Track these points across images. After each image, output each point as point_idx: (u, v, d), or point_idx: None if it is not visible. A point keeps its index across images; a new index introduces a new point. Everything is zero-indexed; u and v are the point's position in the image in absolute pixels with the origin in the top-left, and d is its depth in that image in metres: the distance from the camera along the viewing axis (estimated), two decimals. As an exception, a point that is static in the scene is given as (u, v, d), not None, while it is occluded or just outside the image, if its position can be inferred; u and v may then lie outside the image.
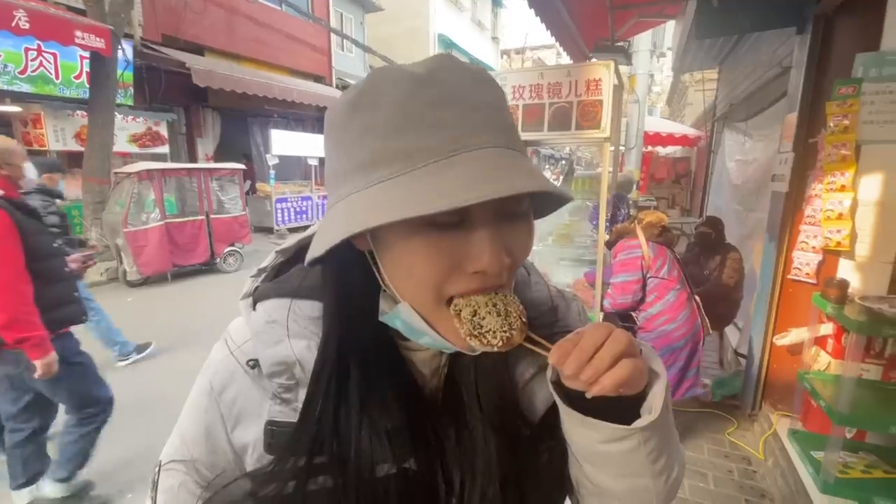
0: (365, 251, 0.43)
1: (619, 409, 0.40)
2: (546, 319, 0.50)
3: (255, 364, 0.45)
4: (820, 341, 2.20)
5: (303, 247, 0.49)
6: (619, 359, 0.37)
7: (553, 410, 0.46)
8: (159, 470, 0.47)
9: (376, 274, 0.43)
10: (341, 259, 0.43)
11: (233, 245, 6.75)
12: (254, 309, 0.47)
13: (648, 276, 2.43)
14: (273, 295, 0.47)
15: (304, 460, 0.42)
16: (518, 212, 0.40)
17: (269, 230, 9.13)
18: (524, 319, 0.41)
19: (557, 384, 0.42)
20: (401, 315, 0.41)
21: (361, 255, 0.43)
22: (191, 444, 0.47)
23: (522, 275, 0.54)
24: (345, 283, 0.45)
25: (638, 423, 0.39)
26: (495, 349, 0.39)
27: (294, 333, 0.45)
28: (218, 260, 6.57)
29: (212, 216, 6.42)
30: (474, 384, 0.46)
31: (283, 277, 0.50)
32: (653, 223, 2.55)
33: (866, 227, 2.03)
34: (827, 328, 2.15)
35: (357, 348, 0.44)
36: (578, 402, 0.41)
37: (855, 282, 2.04)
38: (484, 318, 0.38)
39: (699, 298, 2.54)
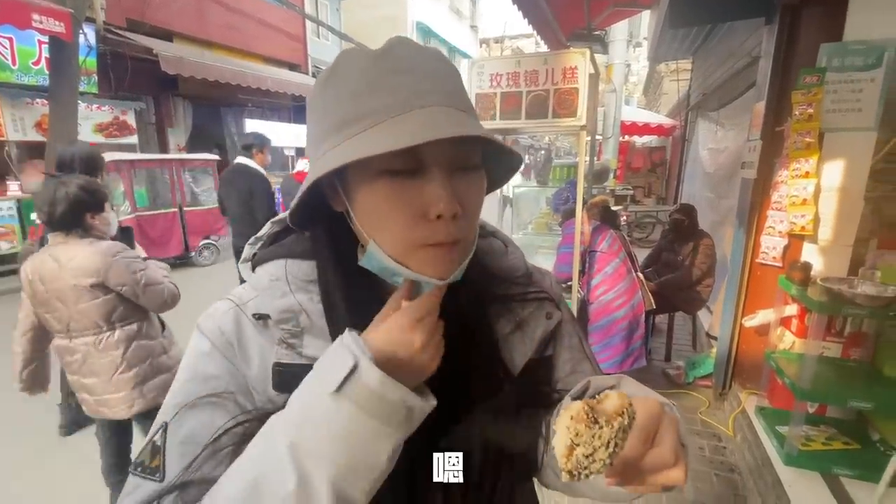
0: (343, 212, 0.47)
1: None
2: (521, 281, 0.57)
3: (261, 317, 0.48)
4: (785, 322, 2.30)
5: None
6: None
7: (532, 365, 0.53)
8: (165, 430, 0.44)
9: (357, 231, 0.47)
10: (329, 221, 0.49)
11: (208, 238, 6.58)
12: (253, 272, 0.52)
13: (588, 250, 2.68)
14: (272, 258, 0.52)
15: None
16: (468, 165, 0.44)
17: (246, 222, 8.92)
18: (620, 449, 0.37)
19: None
20: (373, 256, 0.45)
21: (342, 217, 0.47)
22: (213, 377, 0.46)
23: (499, 246, 0.60)
24: (332, 241, 0.50)
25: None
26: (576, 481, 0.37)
27: (296, 288, 0.49)
28: (193, 253, 6.40)
29: (185, 208, 6.24)
30: (457, 339, 0.49)
31: (279, 243, 0.54)
32: (595, 204, 2.90)
33: (828, 211, 2.12)
34: (792, 309, 2.24)
35: (350, 299, 0.48)
36: None
37: (818, 264, 2.13)
38: (594, 463, 0.35)
39: (671, 280, 2.64)
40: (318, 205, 0.48)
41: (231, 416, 0.44)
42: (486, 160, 0.48)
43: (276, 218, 0.56)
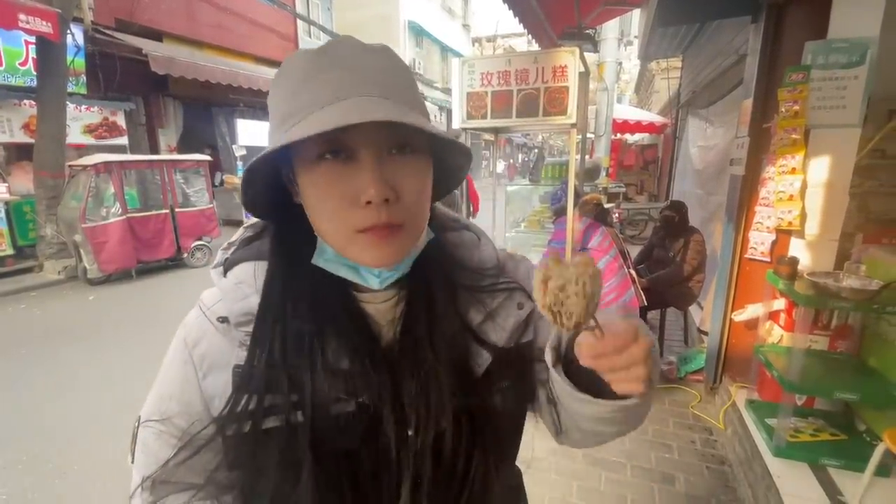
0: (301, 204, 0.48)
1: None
2: (491, 273, 0.57)
3: (224, 320, 0.50)
4: (773, 316, 2.33)
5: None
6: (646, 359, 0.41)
7: (509, 352, 0.54)
8: (138, 425, 0.52)
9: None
10: (286, 215, 0.49)
11: (200, 239, 6.54)
12: (224, 276, 0.52)
13: (580, 247, 2.71)
14: (240, 261, 0.53)
15: (256, 398, 0.46)
16: (403, 148, 0.44)
17: (239, 223, 8.81)
18: (597, 302, 0.40)
19: (559, 367, 0.47)
20: (325, 251, 0.48)
21: (302, 210, 0.48)
22: (167, 398, 0.51)
23: (472, 238, 0.60)
24: (287, 234, 0.50)
25: (631, 401, 0.44)
26: (564, 331, 0.41)
27: (259, 289, 0.50)
28: (185, 255, 6.36)
29: (177, 210, 6.19)
30: (427, 330, 0.51)
31: (249, 246, 0.55)
32: (587, 201, 2.95)
33: (815, 207, 2.16)
34: (780, 303, 2.28)
35: (305, 293, 0.49)
36: (574, 377, 0.46)
37: (805, 259, 2.17)
38: (569, 298, 0.39)
39: (662, 276, 2.67)
40: (283, 201, 0.49)
41: (169, 445, 0.49)
42: (440, 156, 0.50)
43: (248, 223, 0.57)
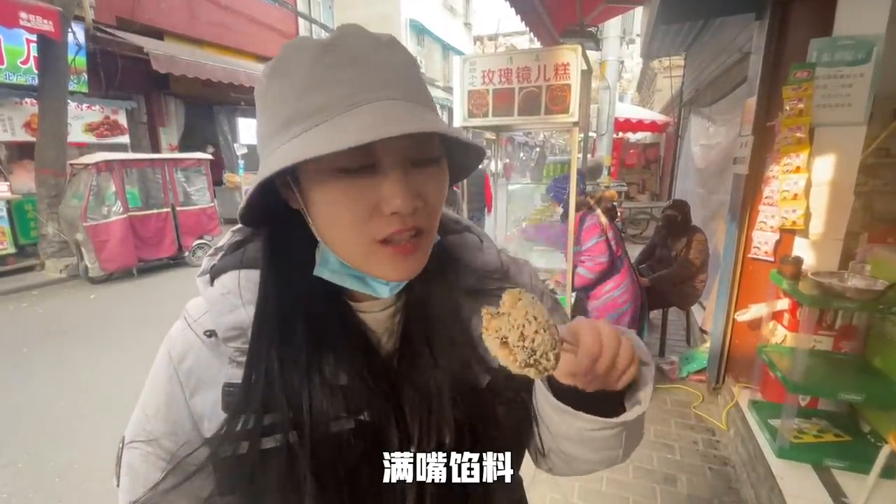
0: (300, 210, 0.44)
1: (597, 397, 0.44)
2: (495, 277, 0.55)
3: (211, 334, 0.47)
4: (777, 316, 2.31)
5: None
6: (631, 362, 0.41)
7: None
8: (123, 447, 0.49)
9: (313, 230, 0.45)
10: (280, 220, 0.46)
11: (201, 238, 6.54)
12: (211, 285, 0.49)
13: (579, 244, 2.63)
14: (227, 269, 0.49)
15: (254, 418, 0.43)
16: (427, 158, 0.42)
17: (240, 222, 8.86)
18: (552, 321, 0.38)
19: (547, 381, 0.45)
20: (329, 261, 0.45)
21: (299, 216, 0.45)
22: (152, 417, 0.48)
23: (474, 240, 0.57)
24: (281, 242, 0.47)
25: (627, 416, 0.44)
26: (548, 372, 0.37)
27: (247, 301, 0.46)
28: (186, 253, 6.37)
29: (178, 208, 6.19)
30: (427, 340, 0.48)
31: (236, 253, 0.51)
32: (605, 198, 2.93)
33: (819, 206, 2.14)
34: (783, 303, 2.26)
35: (301, 306, 0.46)
36: (561, 394, 0.44)
37: (809, 258, 2.15)
38: (534, 340, 0.36)
39: (665, 276, 2.66)
40: (274, 204, 0.46)
41: (157, 467, 0.47)
42: (449, 151, 0.47)
43: (237, 226, 0.52)
